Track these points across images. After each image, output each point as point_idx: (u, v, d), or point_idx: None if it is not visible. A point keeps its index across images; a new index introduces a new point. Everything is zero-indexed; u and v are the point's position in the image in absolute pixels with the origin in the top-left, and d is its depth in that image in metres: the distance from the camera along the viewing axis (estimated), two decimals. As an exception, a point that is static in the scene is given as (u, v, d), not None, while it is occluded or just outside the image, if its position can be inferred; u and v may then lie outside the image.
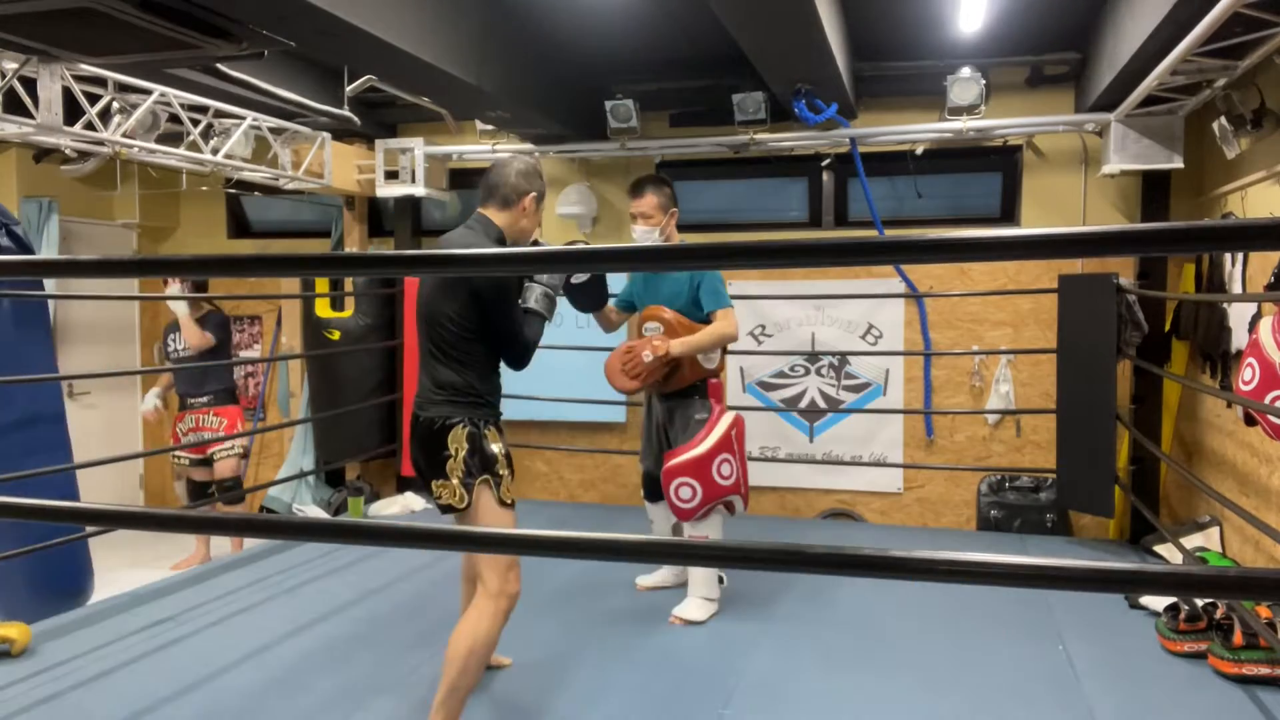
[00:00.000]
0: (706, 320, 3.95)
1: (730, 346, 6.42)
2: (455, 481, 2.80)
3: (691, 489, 3.81)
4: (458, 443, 2.81)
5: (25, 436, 4.06)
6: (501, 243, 2.93)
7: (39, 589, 4.10)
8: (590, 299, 3.72)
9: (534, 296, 2.97)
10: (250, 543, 5.16)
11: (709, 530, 3.89)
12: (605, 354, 4.08)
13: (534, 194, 2.99)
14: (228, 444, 5.57)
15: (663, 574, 4.33)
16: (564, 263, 2.15)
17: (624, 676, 3.36)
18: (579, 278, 3.56)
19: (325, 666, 3.46)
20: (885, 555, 1.23)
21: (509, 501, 2.87)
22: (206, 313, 5.57)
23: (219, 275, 3.17)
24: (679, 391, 3.97)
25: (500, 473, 2.85)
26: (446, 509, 2.86)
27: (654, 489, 4.16)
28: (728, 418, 3.94)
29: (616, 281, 4.30)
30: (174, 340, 5.57)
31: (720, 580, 4.06)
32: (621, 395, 5.98)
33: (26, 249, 4.17)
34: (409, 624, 3.91)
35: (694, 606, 3.95)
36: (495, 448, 2.85)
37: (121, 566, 5.39)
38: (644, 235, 3.96)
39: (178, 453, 5.65)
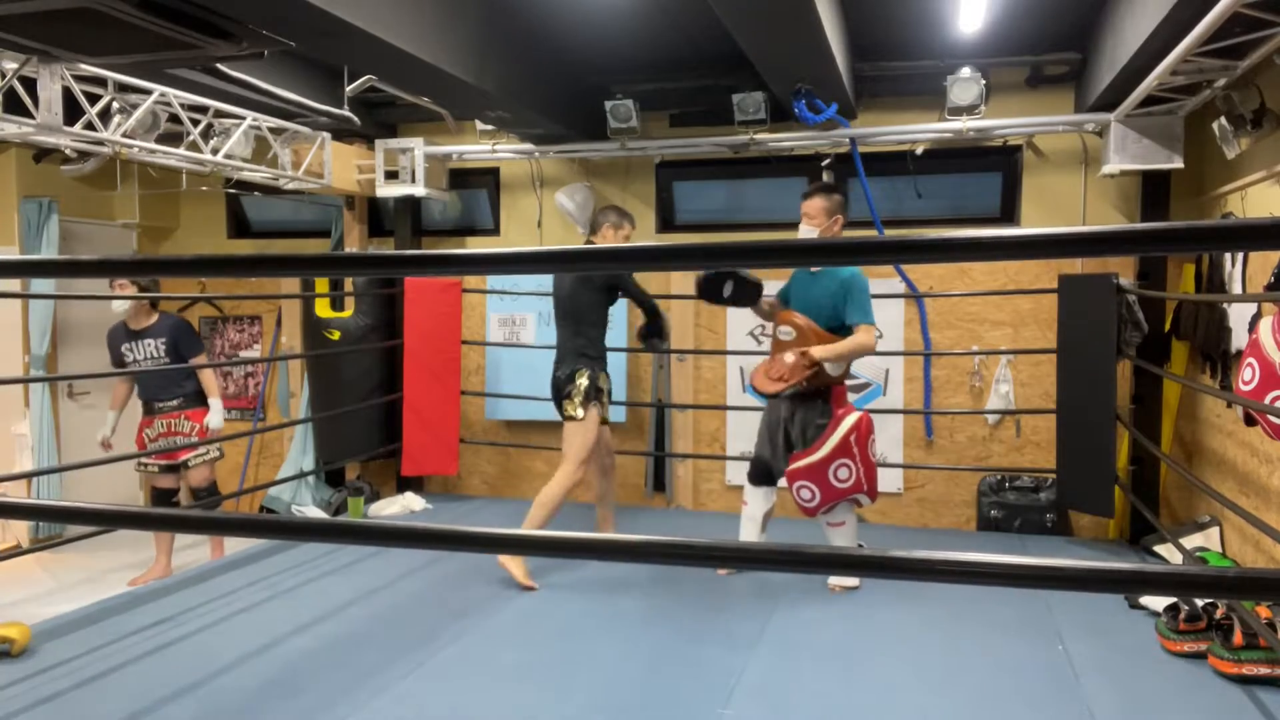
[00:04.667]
0: (842, 329, 4.08)
1: (730, 345, 6.44)
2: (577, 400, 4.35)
3: (810, 491, 4.13)
4: (582, 378, 4.36)
5: None
6: None
7: None
8: (742, 303, 4.22)
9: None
10: (250, 543, 5.15)
11: (840, 518, 4.20)
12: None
13: (608, 224, 4.49)
14: (201, 450, 5.35)
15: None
16: (564, 262, 2.23)
17: (624, 675, 3.36)
18: (727, 291, 4.12)
19: (325, 666, 3.46)
20: (885, 555, 1.23)
21: (605, 419, 4.56)
22: (157, 320, 5.32)
23: (219, 275, 3.18)
24: (803, 394, 4.12)
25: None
26: (569, 418, 4.37)
27: (759, 473, 4.38)
28: (848, 421, 4.08)
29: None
30: (130, 350, 5.31)
31: (859, 547, 4.13)
32: (624, 395, 6.01)
33: None
34: (409, 624, 3.91)
35: None
36: (603, 384, 4.48)
37: (121, 567, 5.39)
38: (805, 233, 4.17)
39: (144, 460, 5.39)
